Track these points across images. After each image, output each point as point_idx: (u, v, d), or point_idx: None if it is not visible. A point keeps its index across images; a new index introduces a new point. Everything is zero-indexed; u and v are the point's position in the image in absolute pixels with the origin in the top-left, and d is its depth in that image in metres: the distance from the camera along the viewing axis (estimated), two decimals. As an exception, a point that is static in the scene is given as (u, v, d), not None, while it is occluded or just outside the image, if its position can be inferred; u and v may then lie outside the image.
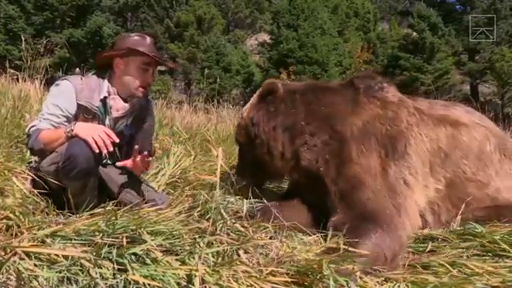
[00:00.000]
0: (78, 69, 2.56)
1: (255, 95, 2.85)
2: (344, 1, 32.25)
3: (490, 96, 29.53)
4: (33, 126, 2.36)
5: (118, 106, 2.51)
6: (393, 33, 32.79)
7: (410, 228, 2.31)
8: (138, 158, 2.37)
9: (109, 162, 2.60)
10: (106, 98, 2.48)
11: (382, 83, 2.74)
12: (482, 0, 29.25)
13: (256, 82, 27.63)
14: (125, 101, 2.54)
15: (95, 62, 2.63)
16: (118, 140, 2.25)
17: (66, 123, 2.35)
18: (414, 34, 28.79)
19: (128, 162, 2.43)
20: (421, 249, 2.29)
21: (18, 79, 5.85)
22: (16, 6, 23.88)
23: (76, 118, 2.40)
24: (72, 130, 2.21)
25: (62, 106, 2.37)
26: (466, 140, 2.67)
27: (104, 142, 2.18)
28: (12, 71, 6.09)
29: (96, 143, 2.17)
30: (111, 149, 2.23)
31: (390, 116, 2.56)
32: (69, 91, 2.40)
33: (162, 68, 32.43)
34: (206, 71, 18.82)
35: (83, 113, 2.42)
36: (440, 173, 2.56)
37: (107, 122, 2.52)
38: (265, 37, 32.21)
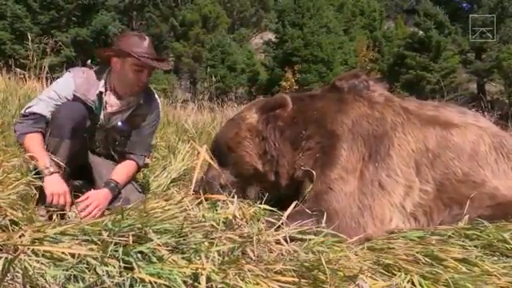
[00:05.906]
0: (89, 61, 2.62)
1: (260, 105, 2.69)
2: (349, -1, 32.16)
3: (498, 95, 29.34)
4: (29, 107, 2.46)
5: (112, 102, 2.59)
6: (399, 31, 32.62)
7: (375, 228, 2.34)
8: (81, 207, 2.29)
9: (102, 150, 2.67)
10: (101, 93, 2.56)
11: (367, 81, 2.71)
12: (489, -2, 29.02)
13: (261, 81, 27.64)
14: (120, 97, 2.60)
15: (97, 57, 2.71)
16: (69, 200, 2.28)
17: None
18: (420, 32, 28.66)
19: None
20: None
21: (24, 78, 5.89)
22: (22, 5, 24.00)
23: None
24: (45, 172, 2.25)
25: (60, 93, 2.47)
26: (458, 141, 2.63)
27: (58, 199, 2.25)
28: (19, 70, 6.13)
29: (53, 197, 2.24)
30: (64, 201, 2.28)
31: (377, 116, 2.56)
32: (68, 81, 2.53)
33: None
34: (210, 69, 18.81)
35: None
36: (428, 174, 2.53)
37: (101, 116, 2.59)
38: (270, 35, 32.17)
